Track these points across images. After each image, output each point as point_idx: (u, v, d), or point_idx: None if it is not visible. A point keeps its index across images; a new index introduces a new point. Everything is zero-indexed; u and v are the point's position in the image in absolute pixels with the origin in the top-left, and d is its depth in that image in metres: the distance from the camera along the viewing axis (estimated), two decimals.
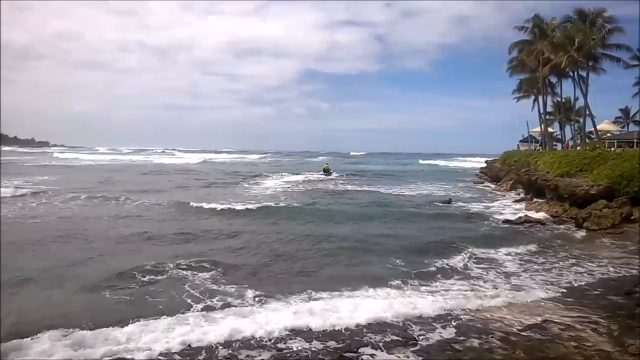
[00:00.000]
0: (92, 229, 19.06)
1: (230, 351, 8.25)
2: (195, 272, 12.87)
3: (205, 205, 25.07)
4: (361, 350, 8.37)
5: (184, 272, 12.91)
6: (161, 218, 22.39)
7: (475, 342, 8.60)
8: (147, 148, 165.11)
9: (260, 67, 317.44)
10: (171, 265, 13.30)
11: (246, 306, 10.42)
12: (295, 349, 8.40)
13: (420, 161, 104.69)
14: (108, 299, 10.86)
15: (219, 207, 24.78)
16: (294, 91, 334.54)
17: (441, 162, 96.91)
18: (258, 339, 8.70)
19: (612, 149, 36.67)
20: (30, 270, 12.61)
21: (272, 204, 27.09)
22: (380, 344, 8.61)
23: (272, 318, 9.50)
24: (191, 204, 25.65)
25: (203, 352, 8.20)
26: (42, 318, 9.32)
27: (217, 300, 10.73)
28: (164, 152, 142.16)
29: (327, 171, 54.09)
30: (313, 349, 8.41)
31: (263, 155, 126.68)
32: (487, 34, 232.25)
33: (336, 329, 9.25)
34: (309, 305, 10.33)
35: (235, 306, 10.39)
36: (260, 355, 8.14)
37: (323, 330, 9.12)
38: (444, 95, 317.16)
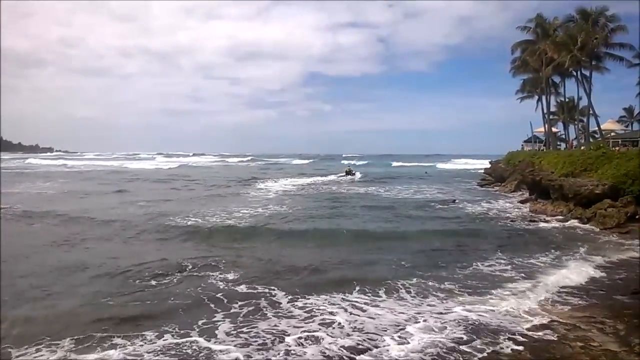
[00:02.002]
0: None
1: None
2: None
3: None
4: (370, 350, 8.45)
5: None
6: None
7: (482, 343, 8.64)
8: (140, 153, 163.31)
9: (262, 70, 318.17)
10: None
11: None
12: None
13: (393, 163, 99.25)
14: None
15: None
16: (297, 94, 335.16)
17: (445, 164, 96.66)
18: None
19: (617, 148, 36.57)
20: None
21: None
22: (387, 342, 8.72)
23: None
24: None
25: None
26: None
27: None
28: (153, 157, 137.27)
29: (349, 173, 57.55)
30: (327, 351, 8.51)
31: (244, 159, 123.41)
32: (490, 34, 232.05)
33: (349, 331, 9.38)
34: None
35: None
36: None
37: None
38: (448, 96, 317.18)
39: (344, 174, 57.90)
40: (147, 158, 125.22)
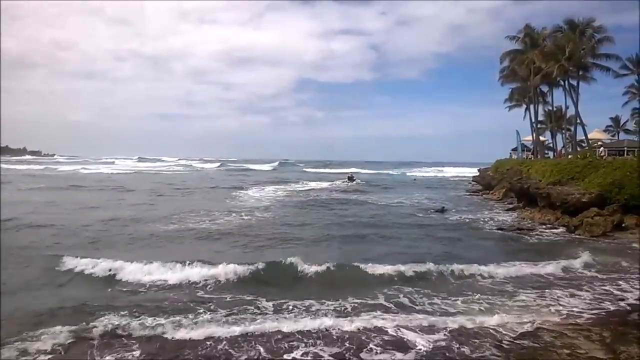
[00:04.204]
0: None
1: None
2: None
3: None
4: (354, 357, 8.38)
5: None
6: None
7: (469, 351, 8.61)
8: (121, 157, 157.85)
9: (255, 75, 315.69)
10: None
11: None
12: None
13: (359, 169, 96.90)
14: None
15: None
16: (290, 100, 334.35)
17: (433, 171, 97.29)
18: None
19: (603, 157, 36.98)
20: None
21: None
22: (373, 351, 8.64)
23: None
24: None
25: None
26: None
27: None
28: (112, 161, 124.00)
29: (351, 179, 61.90)
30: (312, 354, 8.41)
31: (212, 165, 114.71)
32: (481, 42, 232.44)
33: (333, 335, 9.34)
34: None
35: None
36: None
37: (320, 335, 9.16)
38: (439, 104, 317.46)
39: (347, 179, 61.60)
40: (107, 162, 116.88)
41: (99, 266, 13.74)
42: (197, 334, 9.25)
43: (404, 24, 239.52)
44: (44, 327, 9.20)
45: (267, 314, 10.58)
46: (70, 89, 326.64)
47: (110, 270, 13.50)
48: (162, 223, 22.80)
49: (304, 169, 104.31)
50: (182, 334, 9.22)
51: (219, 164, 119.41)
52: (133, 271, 13.37)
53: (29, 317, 9.89)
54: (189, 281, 12.89)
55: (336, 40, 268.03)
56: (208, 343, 8.92)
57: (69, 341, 8.76)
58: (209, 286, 12.63)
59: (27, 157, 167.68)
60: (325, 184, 55.39)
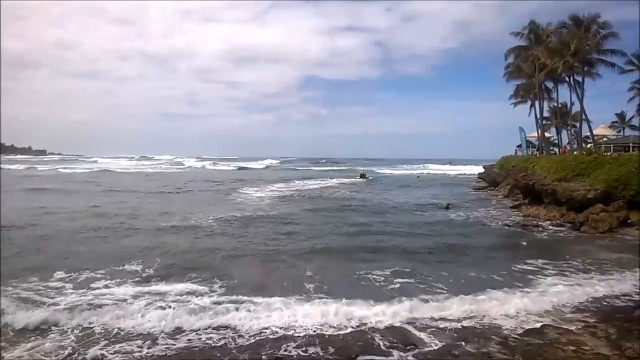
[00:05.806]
0: None
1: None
2: None
3: None
4: (361, 355, 8.45)
5: None
6: None
7: (474, 347, 8.65)
8: (123, 155, 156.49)
9: (259, 74, 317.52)
10: None
11: None
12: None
13: (363, 167, 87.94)
14: None
15: None
16: (294, 97, 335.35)
17: (438, 168, 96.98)
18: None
19: (608, 153, 36.81)
20: None
21: None
22: (381, 349, 8.71)
23: None
24: None
25: None
26: None
27: None
28: (95, 160, 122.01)
29: (363, 176, 65.14)
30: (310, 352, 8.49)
31: (204, 163, 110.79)
32: (487, 38, 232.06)
33: (339, 332, 9.45)
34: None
35: None
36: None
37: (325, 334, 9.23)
38: (444, 100, 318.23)
39: (359, 177, 63.92)
40: (89, 161, 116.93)
41: None
42: None
43: (409, 20, 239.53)
44: None
45: None
46: (74, 88, 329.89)
47: None
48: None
49: (307, 167, 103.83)
50: None
51: (210, 162, 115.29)
52: None
53: None
54: None
55: (341, 37, 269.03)
56: None
57: None
58: None
59: (19, 156, 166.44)
60: (332, 181, 55.35)
